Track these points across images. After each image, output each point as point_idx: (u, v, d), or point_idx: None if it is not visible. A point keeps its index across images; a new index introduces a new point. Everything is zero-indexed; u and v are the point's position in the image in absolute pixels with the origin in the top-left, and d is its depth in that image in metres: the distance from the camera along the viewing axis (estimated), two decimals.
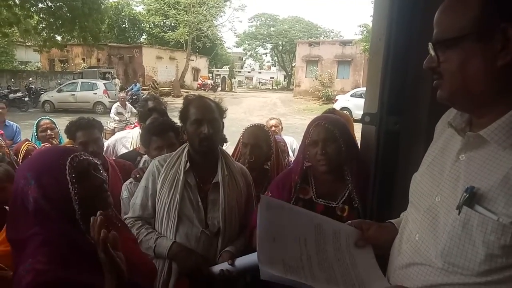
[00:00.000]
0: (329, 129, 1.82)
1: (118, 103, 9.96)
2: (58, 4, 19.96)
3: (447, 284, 0.98)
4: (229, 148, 4.72)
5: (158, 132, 2.52)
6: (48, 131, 3.91)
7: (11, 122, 5.69)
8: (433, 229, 1.04)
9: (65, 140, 3.32)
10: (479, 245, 0.91)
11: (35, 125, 4.03)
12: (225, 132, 2.26)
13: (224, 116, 2.08)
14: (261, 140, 2.53)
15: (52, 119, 4.14)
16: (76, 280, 1.17)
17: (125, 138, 3.60)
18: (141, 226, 1.95)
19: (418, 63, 1.63)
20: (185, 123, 2.00)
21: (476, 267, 0.92)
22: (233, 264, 1.68)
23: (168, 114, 3.33)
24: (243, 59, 69.44)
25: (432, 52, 1.00)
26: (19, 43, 31.93)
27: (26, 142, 3.68)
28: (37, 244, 1.18)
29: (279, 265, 1.15)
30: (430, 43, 1.00)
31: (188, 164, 1.97)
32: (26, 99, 20.23)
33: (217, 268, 1.72)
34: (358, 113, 12.34)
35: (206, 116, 1.94)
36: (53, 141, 3.85)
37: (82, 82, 21.20)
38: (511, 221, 0.86)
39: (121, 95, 11.08)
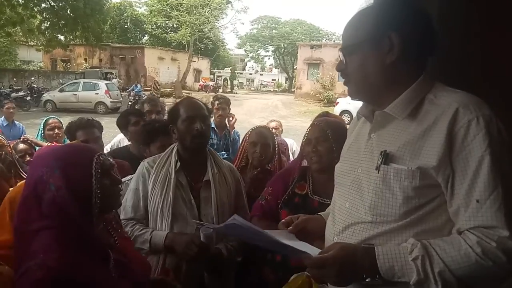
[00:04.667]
0: (323, 129, 1.89)
1: None
2: (61, 4, 20.06)
3: (378, 234, 1.17)
4: None
5: (165, 131, 2.53)
6: (56, 130, 3.96)
7: (17, 122, 5.78)
8: (360, 194, 1.24)
9: (67, 140, 3.35)
10: (397, 191, 1.13)
11: (43, 123, 4.07)
12: None
13: (211, 116, 2.13)
14: (269, 140, 2.66)
15: (59, 118, 4.20)
16: (85, 277, 1.19)
17: (124, 139, 3.66)
18: (134, 224, 1.97)
19: None
20: (175, 123, 2.03)
21: (397, 210, 1.13)
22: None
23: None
24: (245, 61, 69.54)
25: (342, 57, 1.25)
26: (21, 43, 32.04)
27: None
28: (49, 239, 1.19)
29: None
30: (339, 50, 1.26)
31: (178, 164, 2.00)
32: (28, 98, 20.32)
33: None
34: None
35: (197, 113, 2.00)
36: (59, 140, 3.90)
37: (84, 82, 21.29)
38: (417, 166, 1.10)
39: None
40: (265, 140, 2.64)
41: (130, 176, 2.27)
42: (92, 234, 1.29)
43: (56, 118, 4.16)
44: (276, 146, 2.74)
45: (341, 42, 1.28)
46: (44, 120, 4.11)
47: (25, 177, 2.69)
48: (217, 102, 4.21)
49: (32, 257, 1.17)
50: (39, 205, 1.23)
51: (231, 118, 4.37)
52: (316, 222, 1.46)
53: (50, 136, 3.95)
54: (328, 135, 1.86)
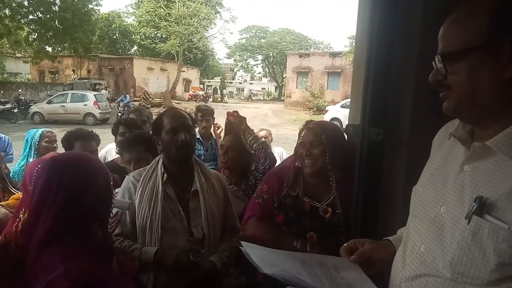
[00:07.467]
0: (317, 133, 1.90)
1: None
2: (48, 16, 19.97)
3: None
4: None
5: (127, 146, 2.59)
6: (54, 143, 3.91)
7: (2, 135, 5.68)
8: (439, 240, 1.02)
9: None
10: (490, 254, 0.90)
11: (39, 136, 3.97)
12: None
13: (196, 126, 2.13)
14: (236, 142, 2.69)
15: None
16: (101, 281, 1.22)
17: (114, 149, 3.64)
18: (122, 241, 1.92)
19: (399, 76, 1.71)
20: (159, 134, 2.00)
21: (487, 276, 0.91)
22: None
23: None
24: (234, 70, 69.74)
25: (439, 65, 1.00)
26: (8, 55, 31.76)
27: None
28: (63, 250, 1.22)
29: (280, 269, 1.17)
30: (437, 56, 1.01)
31: (165, 176, 1.97)
32: (15, 110, 20.06)
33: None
34: None
35: (181, 124, 1.97)
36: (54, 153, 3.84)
37: (72, 93, 21.07)
38: None
39: None
40: (230, 143, 2.71)
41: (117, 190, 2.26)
42: (94, 238, 1.33)
43: (52, 131, 4.11)
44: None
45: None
46: (40, 132, 4.02)
47: (13, 191, 2.69)
48: (199, 114, 4.14)
49: (51, 270, 1.16)
50: (47, 216, 1.26)
51: (216, 128, 4.38)
52: (384, 250, 1.28)
53: (47, 148, 3.84)
54: (322, 139, 1.87)
